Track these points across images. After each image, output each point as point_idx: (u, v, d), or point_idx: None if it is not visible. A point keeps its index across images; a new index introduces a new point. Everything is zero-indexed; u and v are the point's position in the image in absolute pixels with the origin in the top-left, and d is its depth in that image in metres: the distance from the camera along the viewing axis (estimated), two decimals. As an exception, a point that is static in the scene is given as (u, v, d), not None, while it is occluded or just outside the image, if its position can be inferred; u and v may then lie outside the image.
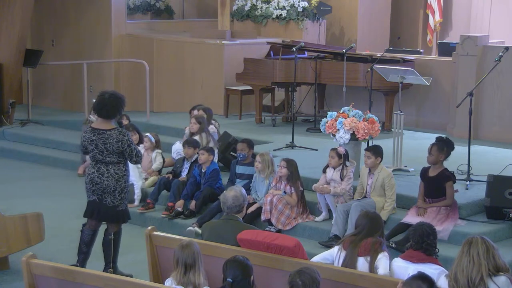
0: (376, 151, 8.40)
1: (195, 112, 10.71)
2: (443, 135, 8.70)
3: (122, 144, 7.35)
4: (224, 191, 6.74)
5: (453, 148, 8.35)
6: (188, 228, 8.69)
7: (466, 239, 5.28)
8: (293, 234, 8.09)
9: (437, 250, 6.02)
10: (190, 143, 9.79)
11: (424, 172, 8.34)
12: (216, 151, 9.91)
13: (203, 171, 9.39)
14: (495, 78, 11.43)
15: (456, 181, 8.34)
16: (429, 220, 7.84)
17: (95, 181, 7.44)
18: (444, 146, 8.22)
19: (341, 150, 8.63)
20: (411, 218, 8.04)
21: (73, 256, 8.27)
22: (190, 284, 5.60)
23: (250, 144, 9.42)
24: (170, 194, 9.38)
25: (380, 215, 6.56)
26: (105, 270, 7.61)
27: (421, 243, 5.88)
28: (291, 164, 8.64)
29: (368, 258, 6.02)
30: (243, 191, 6.70)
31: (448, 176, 8.16)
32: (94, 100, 7.65)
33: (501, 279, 5.18)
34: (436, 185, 8.15)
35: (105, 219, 7.64)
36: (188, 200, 9.35)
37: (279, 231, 8.47)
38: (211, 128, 10.62)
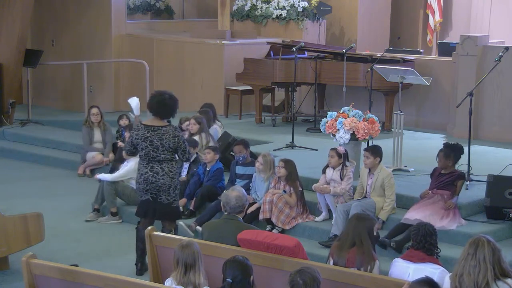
0: (375, 151, 8.41)
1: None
2: (451, 141, 8.72)
3: (178, 140, 7.58)
4: (225, 191, 6.74)
5: (462, 153, 8.49)
6: (179, 223, 8.71)
7: (472, 240, 5.26)
8: (293, 234, 8.09)
9: (438, 250, 6.02)
10: (188, 143, 9.78)
11: (435, 169, 8.44)
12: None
13: (207, 169, 9.41)
14: (495, 78, 11.43)
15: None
16: (433, 213, 7.92)
17: (150, 181, 7.58)
18: (450, 153, 8.35)
19: (341, 149, 8.64)
20: (411, 214, 8.05)
21: (73, 256, 8.30)
22: (190, 284, 5.60)
23: (245, 144, 9.42)
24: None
25: (368, 216, 6.45)
26: (136, 264, 7.88)
27: (424, 243, 5.89)
28: (289, 164, 8.64)
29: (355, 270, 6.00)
30: (244, 191, 6.71)
31: (459, 175, 8.32)
32: (149, 99, 7.77)
33: (508, 282, 5.17)
34: (446, 181, 8.24)
35: (160, 217, 7.78)
36: (190, 200, 9.36)
37: (282, 231, 8.47)
38: (214, 128, 10.65)
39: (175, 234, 7.63)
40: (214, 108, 11.37)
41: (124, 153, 9.49)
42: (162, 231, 7.71)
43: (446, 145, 8.46)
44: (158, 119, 7.65)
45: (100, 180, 9.67)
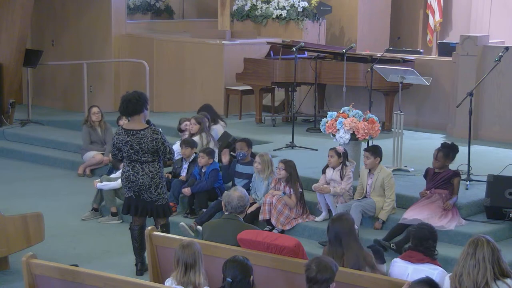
0: (375, 152, 8.42)
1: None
2: (448, 141, 8.72)
3: (156, 143, 7.57)
4: (227, 191, 6.73)
5: (457, 152, 8.51)
6: (180, 223, 8.71)
7: (472, 239, 5.26)
8: (293, 234, 8.10)
9: (436, 252, 6.01)
10: (187, 143, 9.80)
11: (428, 170, 8.47)
12: (216, 151, 9.91)
13: (203, 171, 9.40)
14: (495, 78, 11.43)
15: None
16: (432, 213, 7.92)
17: (131, 179, 7.67)
18: (450, 152, 8.39)
19: (340, 149, 8.64)
20: (409, 214, 8.05)
21: (73, 256, 8.30)
22: (190, 284, 5.60)
23: (248, 143, 9.43)
24: (170, 194, 9.39)
25: (347, 216, 6.10)
26: (136, 264, 7.90)
27: (420, 246, 5.87)
28: (289, 166, 8.63)
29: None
30: (246, 192, 6.71)
31: (454, 172, 8.35)
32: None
33: (508, 282, 5.17)
34: (442, 180, 8.27)
35: (145, 214, 7.84)
36: (186, 200, 9.40)
37: (282, 231, 8.47)
38: (214, 129, 10.66)
39: (165, 231, 7.65)
40: (212, 108, 11.30)
41: (110, 156, 9.52)
42: (155, 227, 7.77)
43: (444, 145, 8.46)
44: (135, 120, 7.64)
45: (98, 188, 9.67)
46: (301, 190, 8.71)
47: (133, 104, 7.56)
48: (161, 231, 7.39)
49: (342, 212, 6.84)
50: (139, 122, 7.64)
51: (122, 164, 9.95)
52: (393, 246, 7.79)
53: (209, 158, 9.39)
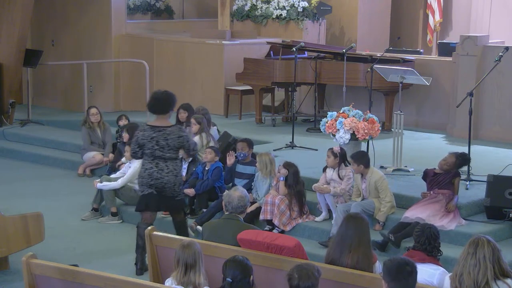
0: (357, 159, 8.33)
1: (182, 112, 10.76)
2: (465, 151, 8.73)
3: (182, 139, 7.82)
4: (228, 191, 6.73)
5: (467, 164, 8.65)
6: None
7: (472, 239, 5.25)
8: (293, 234, 8.10)
9: (441, 253, 5.99)
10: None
11: (427, 171, 8.46)
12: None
13: (206, 168, 9.41)
14: (495, 78, 11.42)
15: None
16: (433, 212, 7.92)
17: (155, 176, 7.80)
18: (463, 164, 8.52)
19: (336, 149, 8.62)
20: (411, 213, 8.05)
21: (73, 256, 8.30)
22: (190, 284, 5.60)
23: (250, 143, 9.43)
24: (170, 194, 9.40)
25: (362, 216, 6.07)
26: (136, 263, 7.99)
27: (427, 245, 5.85)
28: (290, 166, 8.64)
29: None
30: (246, 192, 6.71)
31: (456, 172, 8.36)
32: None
33: (508, 282, 5.17)
34: (442, 180, 8.28)
35: (166, 209, 8.17)
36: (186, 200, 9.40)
37: (282, 231, 8.47)
38: (214, 129, 10.66)
39: (183, 227, 7.93)
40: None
41: (127, 155, 9.56)
42: (174, 222, 8.09)
43: (463, 156, 8.49)
44: (161, 118, 7.87)
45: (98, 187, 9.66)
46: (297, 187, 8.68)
47: (161, 105, 7.84)
48: (179, 227, 7.82)
49: (356, 212, 6.84)
50: (165, 120, 7.89)
51: (121, 165, 10.05)
52: (391, 237, 7.79)
53: (215, 155, 9.43)
